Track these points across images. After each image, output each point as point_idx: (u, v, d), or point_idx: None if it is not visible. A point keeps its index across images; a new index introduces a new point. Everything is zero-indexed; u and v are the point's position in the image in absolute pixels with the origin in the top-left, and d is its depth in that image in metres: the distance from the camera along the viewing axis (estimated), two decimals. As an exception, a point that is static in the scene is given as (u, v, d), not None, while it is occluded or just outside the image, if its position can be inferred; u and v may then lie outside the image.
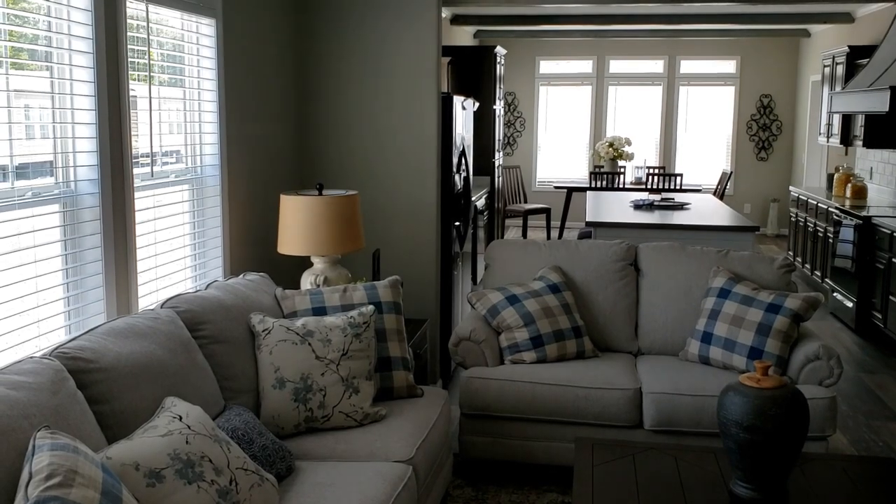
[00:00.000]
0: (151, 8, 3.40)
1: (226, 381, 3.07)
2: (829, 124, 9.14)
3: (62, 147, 2.96)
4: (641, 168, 10.94)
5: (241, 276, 3.61)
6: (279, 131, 4.72)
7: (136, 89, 3.33)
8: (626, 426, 3.87)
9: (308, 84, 4.96)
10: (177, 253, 3.74)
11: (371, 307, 3.42)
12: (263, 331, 3.22)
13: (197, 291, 3.25)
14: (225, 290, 3.30)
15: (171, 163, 3.74)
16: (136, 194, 3.33)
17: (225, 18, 4.01)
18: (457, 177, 5.47)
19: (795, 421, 2.64)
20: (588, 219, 6.48)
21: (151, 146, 3.46)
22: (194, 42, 3.81)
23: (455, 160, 5.37)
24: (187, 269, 3.84)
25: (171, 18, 3.63)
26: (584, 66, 13.12)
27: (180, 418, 2.37)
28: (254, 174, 4.40)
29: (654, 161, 12.89)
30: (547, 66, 13.22)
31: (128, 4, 3.20)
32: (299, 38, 4.93)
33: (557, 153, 13.34)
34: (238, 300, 3.29)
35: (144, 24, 3.36)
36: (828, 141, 9.28)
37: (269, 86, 4.57)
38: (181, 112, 3.74)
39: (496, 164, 9.79)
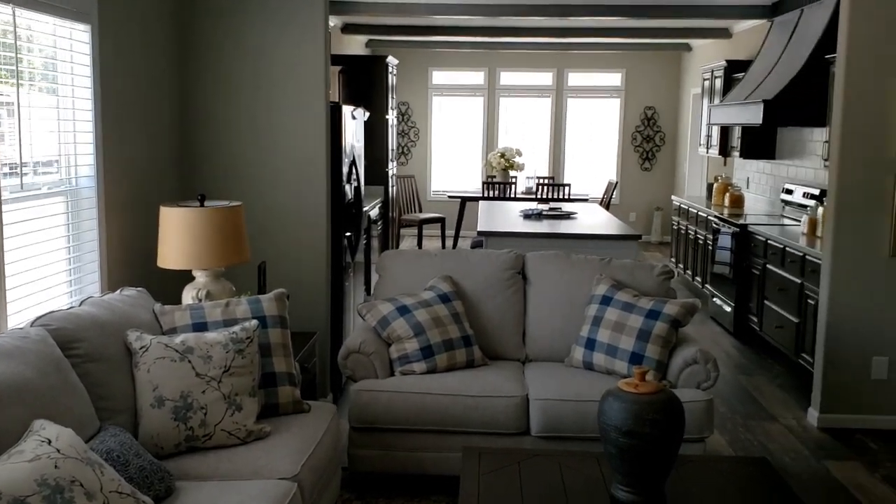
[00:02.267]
0: (19, 12, 3.26)
1: (101, 401, 2.96)
2: (709, 136, 9.50)
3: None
4: (532, 178, 11.14)
5: (118, 291, 3.48)
6: (160, 141, 4.59)
7: (4, 96, 3.18)
8: (515, 433, 3.91)
9: (191, 92, 4.85)
10: (50, 268, 3.58)
11: (254, 322, 3.35)
12: (141, 348, 3.12)
13: (70, 308, 3.12)
14: (100, 307, 3.19)
15: (44, 173, 3.58)
16: (4, 207, 3.18)
17: (101, 24, 3.87)
18: (347, 187, 5.44)
19: (672, 425, 2.72)
20: (479, 228, 6.55)
21: (21, 156, 3.31)
22: (68, 49, 3.66)
23: (345, 170, 5.34)
24: (62, 284, 3.68)
25: (42, 24, 3.49)
26: (476, 77, 13.27)
27: (49, 442, 2.27)
28: (133, 185, 4.26)
29: (544, 171, 13.14)
30: (439, 77, 13.31)
31: (-8, 9, 3.06)
32: (181, 45, 4.81)
33: (451, 163, 13.45)
34: (114, 317, 3.18)
35: (11, 28, 3.21)
36: (707, 152, 9.65)
37: (150, 94, 4.44)
38: (55, 121, 3.59)
39: (390, 173, 9.80)
